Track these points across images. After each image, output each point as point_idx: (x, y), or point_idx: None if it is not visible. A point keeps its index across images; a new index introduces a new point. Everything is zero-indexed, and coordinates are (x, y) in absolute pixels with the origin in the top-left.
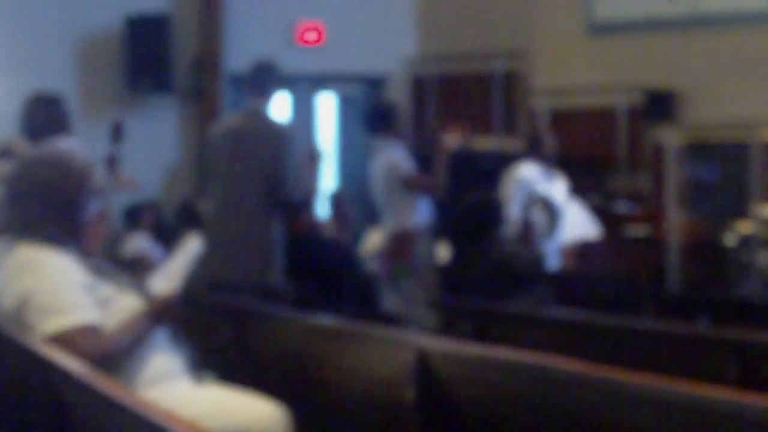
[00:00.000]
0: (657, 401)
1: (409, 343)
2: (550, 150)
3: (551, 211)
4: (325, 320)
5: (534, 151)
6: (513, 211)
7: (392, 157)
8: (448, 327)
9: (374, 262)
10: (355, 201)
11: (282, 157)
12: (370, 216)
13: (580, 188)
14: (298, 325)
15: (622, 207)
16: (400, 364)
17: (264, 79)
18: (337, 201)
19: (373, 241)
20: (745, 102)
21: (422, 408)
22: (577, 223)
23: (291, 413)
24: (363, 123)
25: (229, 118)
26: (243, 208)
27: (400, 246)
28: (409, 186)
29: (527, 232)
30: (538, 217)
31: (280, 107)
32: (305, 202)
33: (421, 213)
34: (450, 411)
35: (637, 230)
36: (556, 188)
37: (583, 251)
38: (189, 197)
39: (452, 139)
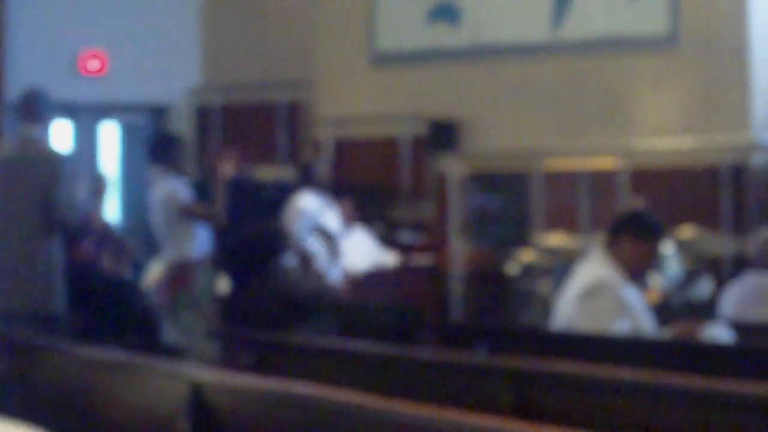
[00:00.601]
0: (432, 431)
1: (183, 375)
2: (321, 179)
3: (330, 240)
4: (103, 353)
5: (306, 180)
6: (294, 240)
7: (170, 188)
8: (228, 358)
9: (155, 293)
10: (138, 231)
11: (56, 182)
12: (152, 247)
13: (364, 218)
14: (76, 358)
15: (405, 237)
16: (174, 396)
17: (34, 106)
18: (115, 231)
19: (155, 272)
20: (526, 132)
21: None
22: (363, 253)
23: None
24: (145, 153)
25: (1, 147)
26: (20, 235)
27: (179, 276)
28: (187, 215)
29: (308, 262)
30: (318, 246)
31: (61, 136)
32: (82, 229)
33: (200, 243)
34: None
35: (421, 259)
36: (332, 217)
37: (366, 281)
38: None
39: (227, 168)
